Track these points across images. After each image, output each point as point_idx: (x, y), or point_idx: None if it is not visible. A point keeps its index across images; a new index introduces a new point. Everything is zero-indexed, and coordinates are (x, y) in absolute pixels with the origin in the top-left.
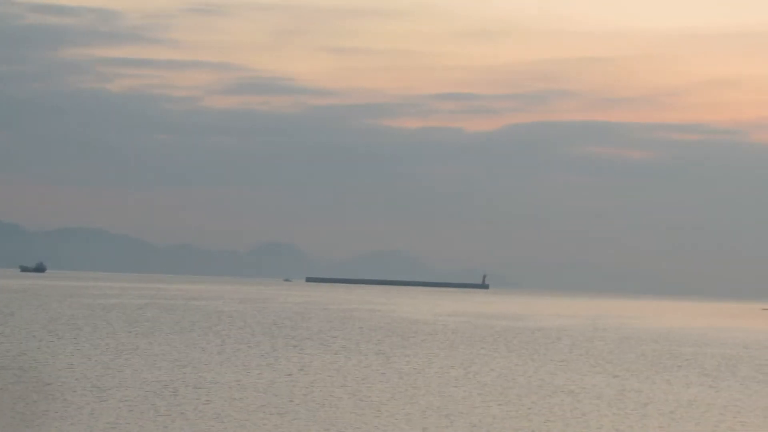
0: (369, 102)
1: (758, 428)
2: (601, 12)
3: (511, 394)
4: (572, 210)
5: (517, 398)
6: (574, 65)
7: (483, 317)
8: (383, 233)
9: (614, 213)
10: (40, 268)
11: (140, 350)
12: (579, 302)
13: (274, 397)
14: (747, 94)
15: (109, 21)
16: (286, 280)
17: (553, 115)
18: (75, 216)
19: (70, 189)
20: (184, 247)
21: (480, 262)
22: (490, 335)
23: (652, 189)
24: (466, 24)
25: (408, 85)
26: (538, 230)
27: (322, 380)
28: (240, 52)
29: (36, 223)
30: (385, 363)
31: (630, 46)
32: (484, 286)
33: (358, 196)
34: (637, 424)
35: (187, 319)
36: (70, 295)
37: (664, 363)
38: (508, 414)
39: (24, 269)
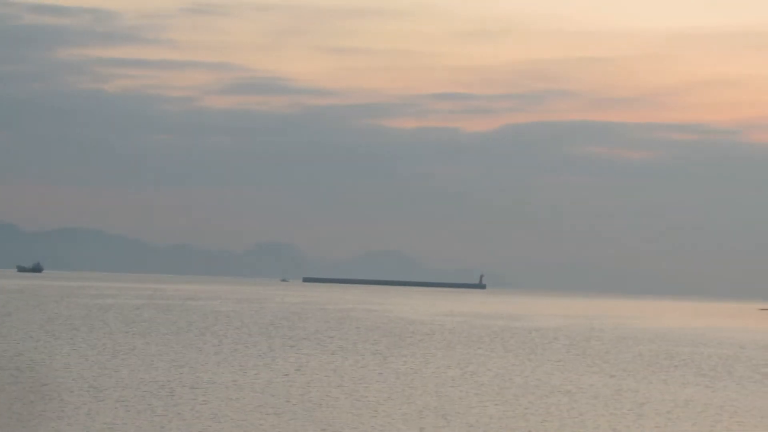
0: (367, 102)
1: (754, 428)
2: (601, 12)
3: (508, 394)
4: (571, 210)
5: (514, 398)
6: (573, 65)
7: (480, 317)
8: (381, 233)
9: (613, 213)
10: (37, 269)
11: (137, 350)
12: (577, 302)
13: (271, 397)
14: (747, 94)
15: (106, 21)
16: (283, 280)
17: (551, 115)
18: (72, 216)
19: (68, 189)
20: (182, 247)
21: (477, 262)
22: (487, 335)
23: (652, 189)
24: (465, 24)
25: (406, 85)
26: (536, 230)
27: (319, 380)
28: (238, 52)
29: (33, 223)
30: (382, 363)
31: (629, 46)
32: (481, 286)
33: (355, 196)
34: (633, 424)
35: (184, 320)
36: (67, 296)
37: (661, 363)
38: (505, 414)
39: (21, 269)
